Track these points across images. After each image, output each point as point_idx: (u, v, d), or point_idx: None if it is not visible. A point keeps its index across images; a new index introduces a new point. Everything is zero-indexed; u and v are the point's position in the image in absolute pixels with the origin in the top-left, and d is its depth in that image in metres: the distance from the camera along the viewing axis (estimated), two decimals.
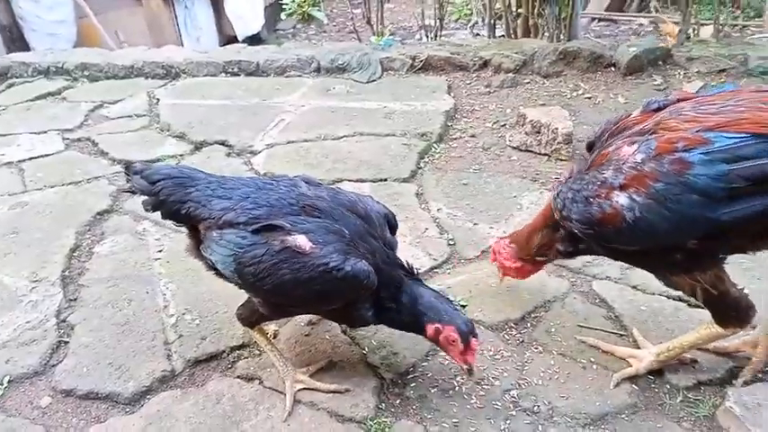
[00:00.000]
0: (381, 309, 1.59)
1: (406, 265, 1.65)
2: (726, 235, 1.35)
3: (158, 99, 3.80)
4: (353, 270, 1.45)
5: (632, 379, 1.67)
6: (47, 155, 3.20)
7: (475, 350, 1.53)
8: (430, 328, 1.55)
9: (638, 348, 1.73)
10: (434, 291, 1.63)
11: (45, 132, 3.44)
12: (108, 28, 7.22)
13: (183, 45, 7.43)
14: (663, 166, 1.32)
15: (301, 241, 1.47)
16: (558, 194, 1.52)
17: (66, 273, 2.25)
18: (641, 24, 8.54)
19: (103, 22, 7.19)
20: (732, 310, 1.50)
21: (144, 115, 3.62)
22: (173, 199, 1.63)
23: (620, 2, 9.20)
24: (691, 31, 4.61)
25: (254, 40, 8.50)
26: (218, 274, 1.64)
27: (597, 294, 2.00)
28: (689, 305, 1.89)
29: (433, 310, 1.56)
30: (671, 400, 1.61)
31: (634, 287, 2.00)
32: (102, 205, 2.67)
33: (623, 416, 1.57)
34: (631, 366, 1.68)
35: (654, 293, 1.96)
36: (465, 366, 1.55)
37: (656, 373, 1.67)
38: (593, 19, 9.08)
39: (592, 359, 1.74)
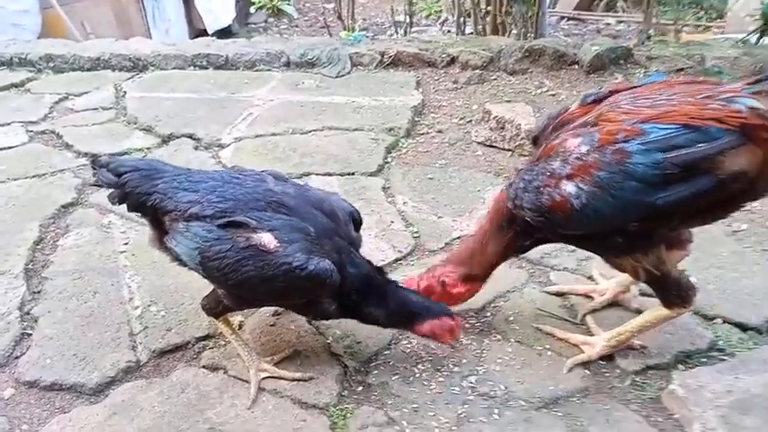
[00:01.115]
0: (349, 305, 1.65)
1: (373, 264, 1.70)
2: (662, 217, 1.45)
3: (125, 92, 3.77)
4: (316, 269, 1.49)
5: (585, 364, 1.74)
6: (10, 147, 3.15)
7: (460, 327, 1.71)
8: (426, 326, 1.64)
9: (592, 335, 1.81)
10: (411, 290, 1.72)
11: (8, 124, 3.39)
12: (74, 19, 7.09)
13: (151, 37, 7.34)
14: (605, 155, 1.41)
15: (266, 239, 1.50)
16: (510, 185, 1.59)
17: (30, 265, 2.23)
18: (608, 24, 8.74)
19: (69, 13, 7.06)
20: (674, 290, 1.60)
21: (110, 108, 3.59)
22: (139, 191, 1.64)
23: (588, 1, 9.40)
24: (651, 30, 4.74)
25: (224, 33, 8.44)
26: (183, 264, 1.67)
27: (555, 284, 2.07)
28: (641, 294, 1.97)
29: (424, 308, 1.66)
30: (620, 383, 1.69)
31: (590, 277, 2.08)
32: (67, 198, 2.65)
33: (575, 399, 1.65)
34: (584, 352, 1.75)
35: None
36: (454, 342, 1.73)
37: (608, 358, 1.75)
38: (562, 17, 9.25)
39: (547, 346, 1.81)
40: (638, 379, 1.70)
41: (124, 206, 1.72)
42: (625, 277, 1.88)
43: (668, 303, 1.62)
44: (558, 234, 1.60)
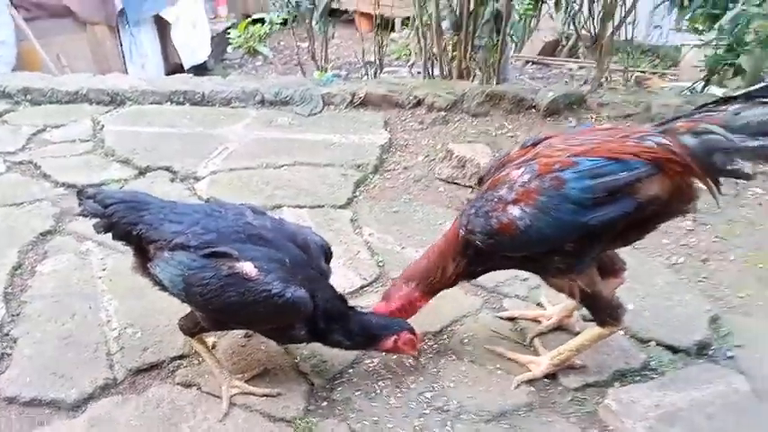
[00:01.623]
0: (317, 331, 1.80)
1: (338, 294, 1.86)
2: (593, 236, 1.66)
3: (103, 125, 3.89)
4: (293, 297, 1.64)
5: (531, 381, 1.91)
6: None
7: (420, 339, 1.89)
8: (388, 342, 1.81)
9: (538, 356, 1.98)
10: (369, 313, 1.90)
11: None
12: (50, 52, 7.19)
13: (127, 72, 7.48)
14: (545, 182, 1.63)
15: (248, 268, 1.64)
16: (462, 213, 1.79)
17: (9, 289, 2.32)
18: (570, 69, 9.21)
19: (46, 46, 7.16)
20: (606, 309, 1.80)
21: (88, 140, 3.70)
22: (125, 221, 1.77)
23: (552, 47, 9.91)
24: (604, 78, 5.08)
25: (200, 69, 8.64)
26: (163, 288, 1.79)
27: (506, 310, 2.25)
28: (584, 319, 2.16)
29: (384, 327, 1.83)
30: (562, 399, 1.87)
31: (538, 304, 2.27)
32: (45, 226, 2.75)
33: (520, 412, 1.81)
34: (530, 371, 1.93)
35: None
36: (416, 354, 1.90)
37: (552, 376, 1.93)
38: (527, 62, 9.72)
39: (497, 365, 1.98)
40: (577, 395, 1.88)
41: (105, 234, 1.84)
42: (569, 303, 2.07)
43: (602, 322, 1.82)
44: (504, 257, 1.78)
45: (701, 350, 2.08)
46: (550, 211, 1.61)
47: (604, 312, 1.80)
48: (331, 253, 1.94)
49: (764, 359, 2.06)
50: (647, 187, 1.60)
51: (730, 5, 3.92)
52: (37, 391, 1.84)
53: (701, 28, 4.53)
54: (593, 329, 1.84)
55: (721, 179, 1.64)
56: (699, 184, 1.66)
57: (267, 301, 1.63)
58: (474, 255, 1.81)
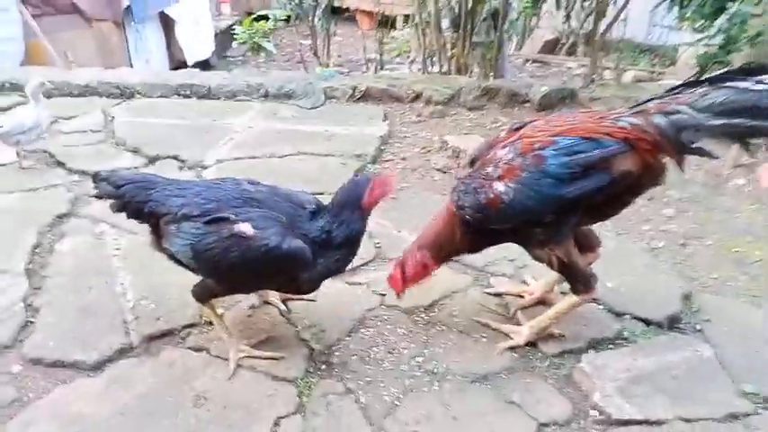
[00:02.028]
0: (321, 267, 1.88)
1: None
2: (570, 208, 1.84)
3: (113, 117, 4.06)
4: (290, 248, 1.79)
5: (513, 349, 2.08)
6: (3, 164, 3.41)
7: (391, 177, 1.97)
8: (368, 199, 1.87)
9: (520, 326, 2.15)
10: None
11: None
12: (57, 48, 7.37)
13: (132, 67, 7.65)
14: (527, 159, 1.80)
15: (245, 227, 1.80)
16: (453, 190, 1.96)
17: (30, 266, 2.48)
18: (570, 67, 9.37)
19: (53, 42, 7.33)
20: (580, 278, 1.98)
21: (99, 131, 3.88)
22: (137, 200, 1.94)
23: (552, 45, 10.07)
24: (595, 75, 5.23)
25: (203, 65, 8.81)
26: (178, 262, 1.96)
27: (493, 287, 2.41)
28: (562, 293, 2.32)
29: (354, 189, 1.91)
30: (540, 363, 2.04)
31: (523, 281, 2.43)
32: (62, 209, 2.91)
33: (502, 375, 1.98)
34: (513, 339, 2.09)
35: None
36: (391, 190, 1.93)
37: (532, 344, 2.09)
38: (528, 60, 9.88)
39: (483, 335, 2.15)
40: (555, 360, 2.05)
41: (120, 214, 2.00)
42: (550, 278, 2.24)
43: (576, 290, 1.99)
44: (492, 230, 1.94)
45: (672, 323, 2.24)
46: (532, 186, 1.78)
47: (579, 282, 1.97)
48: (324, 206, 2.03)
49: (731, 332, 2.22)
50: (619, 163, 1.77)
51: (728, 5, 4.06)
52: (60, 353, 2.01)
53: (699, 26, 4.67)
54: (568, 298, 2.02)
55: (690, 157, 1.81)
56: (667, 160, 1.83)
57: (267, 255, 1.77)
58: (469, 228, 1.96)
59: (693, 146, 1.75)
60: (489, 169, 1.86)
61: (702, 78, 1.78)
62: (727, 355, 2.10)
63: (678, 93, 1.79)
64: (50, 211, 2.90)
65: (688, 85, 1.80)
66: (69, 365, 1.98)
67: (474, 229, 1.96)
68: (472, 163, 2.05)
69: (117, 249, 2.62)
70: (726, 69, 1.81)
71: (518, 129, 1.95)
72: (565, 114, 1.99)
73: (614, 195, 1.85)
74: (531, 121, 1.97)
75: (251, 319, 2.20)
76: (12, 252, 2.56)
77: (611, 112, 1.87)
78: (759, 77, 1.66)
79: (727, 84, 1.70)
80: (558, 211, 1.84)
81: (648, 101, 1.83)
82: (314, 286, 1.95)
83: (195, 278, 2.01)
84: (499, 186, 1.81)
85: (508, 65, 7.43)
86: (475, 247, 2.12)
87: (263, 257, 1.77)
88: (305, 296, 2.14)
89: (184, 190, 1.95)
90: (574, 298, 2.00)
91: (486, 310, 2.27)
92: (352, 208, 1.88)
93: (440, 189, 3.26)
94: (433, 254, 2.06)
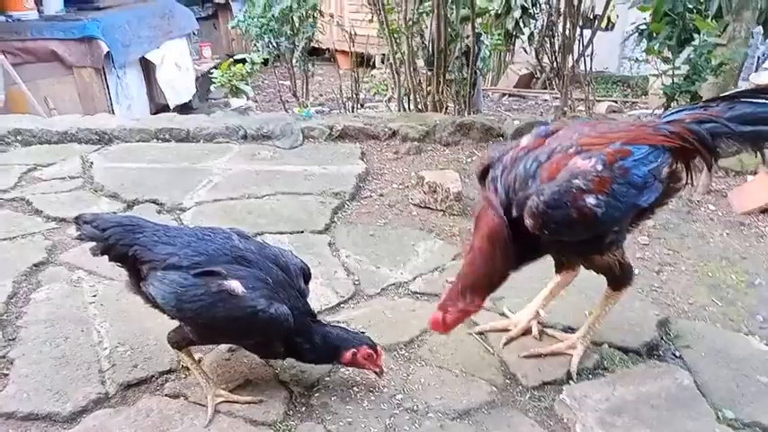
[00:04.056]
0: (292, 346, 1.95)
1: (311, 312, 2.02)
2: (640, 215, 1.93)
3: (92, 162, 4.06)
4: (276, 313, 1.81)
5: (492, 382, 2.08)
6: None
7: (382, 356, 1.97)
8: (347, 354, 1.93)
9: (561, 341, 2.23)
10: (335, 326, 2.03)
11: None
12: (37, 95, 7.39)
13: (113, 113, 7.68)
14: (614, 171, 1.80)
15: (235, 285, 1.81)
16: (533, 209, 1.78)
17: (5, 316, 2.45)
18: (545, 100, 9.59)
19: (33, 89, 7.35)
20: (629, 273, 2.05)
21: (78, 177, 3.87)
22: (122, 243, 1.92)
23: (527, 79, 10.33)
24: (568, 108, 5.37)
25: (185, 108, 8.87)
26: (155, 305, 1.95)
27: (475, 324, 2.40)
28: (543, 325, 2.34)
29: (344, 340, 1.96)
30: (521, 397, 2.03)
31: (501, 313, 2.45)
32: (38, 257, 2.89)
33: (483, 410, 1.97)
34: (573, 356, 2.15)
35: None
36: (378, 370, 1.98)
37: (511, 377, 2.10)
38: (504, 94, 10.11)
39: (463, 369, 2.15)
40: (536, 393, 2.05)
41: (100, 257, 2.00)
42: (532, 307, 2.29)
43: (621, 286, 2.06)
44: (558, 242, 1.88)
45: (651, 351, 2.26)
46: (620, 197, 1.81)
47: (627, 278, 2.05)
48: (310, 274, 2.10)
49: (709, 358, 2.25)
50: (666, 169, 1.89)
51: (694, 36, 4.23)
52: (34, 405, 1.97)
53: (668, 57, 4.82)
54: (610, 296, 2.10)
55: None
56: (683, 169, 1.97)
57: (252, 315, 1.78)
58: (520, 248, 1.89)
59: (722, 150, 1.92)
60: (578, 181, 1.77)
61: (717, 97, 1.96)
62: (706, 381, 2.12)
63: (702, 106, 1.95)
64: (27, 259, 2.87)
65: (705, 102, 1.98)
66: (43, 417, 1.94)
67: (533, 245, 1.89)
68: (484, 174, 2.01)
69: (93, 296, 2.59)
70: (737, 90, 2.00)
71: (545, 137, 1.95)
72: (583, 123, 2.04)
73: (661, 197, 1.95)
74: (553, 131, 1.98)
75: (229, 362, 2.18)
76: None
77: (648, 122, 1.99)
78: None
79: (746, 99, 1.91)
80: (633, 219, 1.92)
81: (680, 110, 1.96)
82: (283, 355, 1.98)
83: (172, 323, 2.00)
84: (591, 199, 1.77)
85: (483, 99, 7.61)
86: (518, 265, 2.00)
87: (248, 317, 1.78)
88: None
89: (174, 238, 1.94)
90: (616, 294, 2.08)
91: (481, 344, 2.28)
92: (329, 344, 1.96)
93: (417, 224, 3.30)
94: (478, 294, 1.97)
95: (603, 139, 1.87)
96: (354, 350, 1.93)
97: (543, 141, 1.94)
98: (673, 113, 1.97)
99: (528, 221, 1.80)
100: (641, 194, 1.84)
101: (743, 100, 1.90)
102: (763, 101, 1.89)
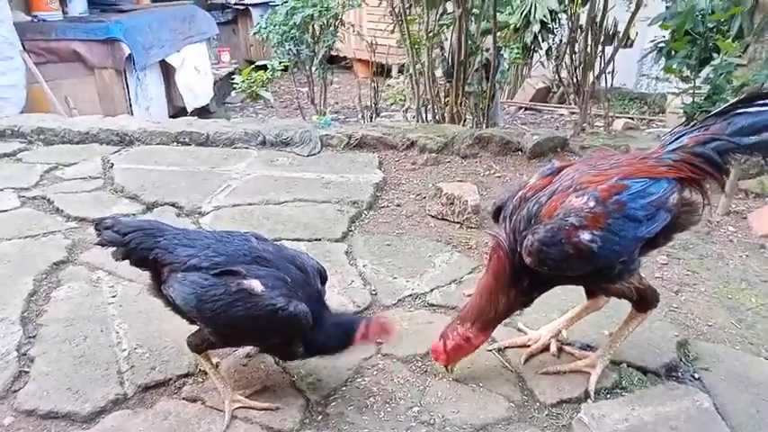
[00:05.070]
0: (311, 346, 1.95)
1: (329, 310, 2.03)
2: (644, 245, 1.91)
3: (112, 163, 4.11)
4: (296, 311, 1.82)
5: (509, 398, 2.07)
6: (3, 211, 3.42)
7: (392, 324, 2.03)
8: (360, 331, 1.94)
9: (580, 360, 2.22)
10: (341, 313, 2.08)
11: (1, 191, 3.67)
12: (58, 95, 7.49)
13: (132, 114, 7.77)
14: (608, 207, 1.82)
15: (254, 284, 1.82)
16: (529, 247, 1.84)
17: (26, 314, 2.48)
18: (562, 114, 9.58)
19: (55, 89, 7.46)
20: (651, 296, 2.05)
21: (98, 177, 3.92)
22: (143, 247, 1.95)
23: (544, 93, 10.32)
24: (586, 124, 5.35)
25: (202, 111, 8.96)
26: (175, 309, 1.96)
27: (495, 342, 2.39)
28: (561, 343, 2.33)
29: (353, 321, 2.01)
30: (539, 414, 2.02)
31: (518, 329, 2.44)
32: (59, 256, 2.92)
33: (500, 426, 1.96)
34: (591, 374, 2.14)
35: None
36: (393, 336, 2.03)
37: (529, 393, 2.09)
38: (520, 107, 10.11)
39: (480, 384, 2.14)
40: (554, 410, 2.03)
41: (122, 261, 2.02)
42: (556, 325, 2.29)
43: (643, 308, 2.06)
44: (566, 277, 1.94)
45: (670, 372, 2.24)
46: (618, 232, 1.82)
47: (650, 300, 2.05)
48: (326, 275, 2.11)
49: (729, 380, 2.22)
50: (673, 198, 1.89)
51: (714, 55, 4.22)
52: (53, 404, 1.98)
53: (687, 76, 4.81)
54: (634, 318, 2.10)
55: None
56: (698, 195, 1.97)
57: (272, 314, 1.79)
58: (528, 283, 1.96)
59: (729, 164, 1.92)
60: (572, 218, 1.82)
61: (711, 115, 1.95)
62: (725, 404, 2.09)
63: (700, 127, 1.94)
64: (48, 258, 2.90)
65: (702, 122, 1.96)
66: (62, 417, 1.96)
67: (541, 279, 1.95)
68: (497, 213, 2.05)
69: (113, 297, 2.62)
70: (731, 102, 1.94)
71: (551, 175, 1.98)
72: (588, 159, 2.04)
73: (668, 229, 1.93)
74: (564, 166, 2.00)
75: (246, 368, 2.19)
76: (8, 300, 2.55)
77: (650, 153, 1.99)
78: (762, 101, 1.88)
79: (739, 111, 1.89)
80: (636, 250, 1.91)
81: (681, 136, 1.95)
82: (303, 354, 1.98)
83: (191, 327, 2.01)
84: (584, 235, 1.80)
85: (501, 112, 7.62)
86: (532, 300, 2.08)
87: (267, 316, 1.79)
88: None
89: (194, 241, 1.97)
90: (640, 315, 2.08)
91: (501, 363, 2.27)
92: (341, 329, 1.97)
93: (434, 235, 3.29)
94: (481, 326, 2.03)
95: (601, 177, 1.90)
96: (363, 325, 1.94)
97: (550, 180, 1.98)
98: (674, 140, 1.96)
99: (527, 259, 1.87)
100: (642, 226, 1.84)
101: (738, 113, 1.89)
102: (757, 109, 1.88)
